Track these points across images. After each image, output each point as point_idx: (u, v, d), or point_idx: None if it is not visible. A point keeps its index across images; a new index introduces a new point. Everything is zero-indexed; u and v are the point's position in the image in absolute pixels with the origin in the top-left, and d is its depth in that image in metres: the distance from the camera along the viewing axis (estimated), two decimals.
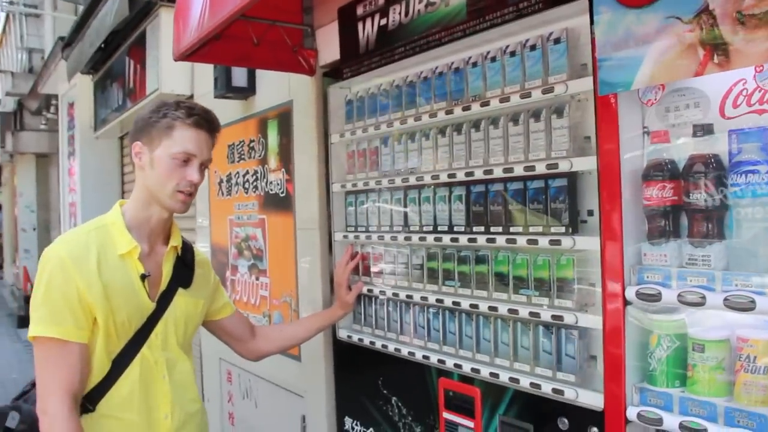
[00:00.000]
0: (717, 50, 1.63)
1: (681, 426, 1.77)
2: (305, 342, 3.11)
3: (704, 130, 1.84)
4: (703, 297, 1.73)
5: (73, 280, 2.00)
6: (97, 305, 2.02)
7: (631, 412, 1.91)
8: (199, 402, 2.34)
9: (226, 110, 4.32)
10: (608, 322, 2.00)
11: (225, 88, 4.03)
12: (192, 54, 2.98)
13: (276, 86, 3.77)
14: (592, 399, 2.07)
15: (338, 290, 3.08)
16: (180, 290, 2.25)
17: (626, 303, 1.94)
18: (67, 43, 8.00)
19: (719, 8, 1.61)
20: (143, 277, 2.12)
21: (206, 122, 2.20)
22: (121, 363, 2.09)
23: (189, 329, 2.30)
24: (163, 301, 2.20)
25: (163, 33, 5.22)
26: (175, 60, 3.10)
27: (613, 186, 1.96)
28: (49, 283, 2.01)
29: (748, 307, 1.64)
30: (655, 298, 1.84)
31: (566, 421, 2.14)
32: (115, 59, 6.90)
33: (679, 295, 1.79)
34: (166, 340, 2.19)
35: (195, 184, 2.18)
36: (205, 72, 4.49)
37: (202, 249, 4.69)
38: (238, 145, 4.26)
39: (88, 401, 2.06)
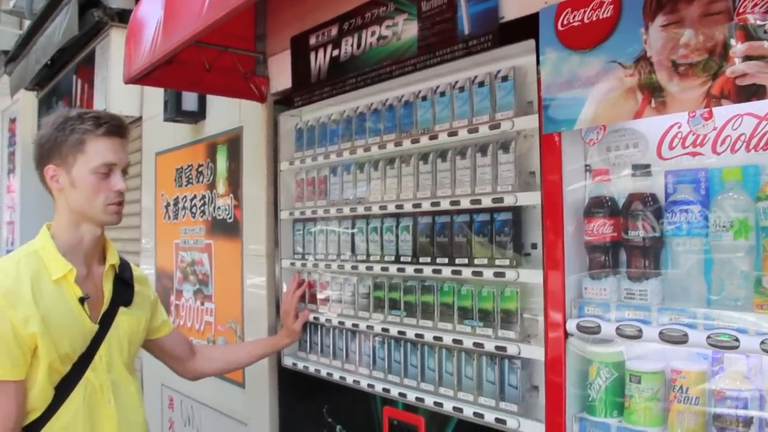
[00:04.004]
0: (654, 95, 1.72)
1: None
2: (246, 366, 3.08)
3: (642, 169, 1.92)
4: (640, 330, 1.80)
5: (6, 316, 1.89)
6: (37, 338, 1.92)
7: None
8: (146, 424, 2.28)
9: (175, 134, 4.30)
10: (550, 353, 2.05)
11: (175, 112, 4.00)
12: (143, 77, 2.97)
13: (226, 112, 3.77)
14: (534, 428, 2.11)
15: (285, 318, 3.07)
16: (121, 309, 2.17)
17: (567, 335, 1.99)
18: (10, 57, 7.82)
19: (656, 56, 1.71)
20: (82, 301, 2.04)
21: (117, 128, 2.11)
22: (64, 390, 2.01)
23: (133, 348, 2.24)
24: (106, 322, 2.12)
25: (113, 53, 5.16)
26: (126, 83, 3.08)
27: (556, 221, 2.02)
28: None
29: (681, 340, 1.72)
30: (595, 331, 1.90)
31: None
32: (62, 77, 6.77)
33: (617, 329, 1.85)
34: (111, 362, 2.12)
35: (122, 192, 2.11)
36: (155, 94, 4.45)
37: (146, 271, 4.62)
38: (186, 169, 4.23)
39: (29, 431, 1.98)
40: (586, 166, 2.08)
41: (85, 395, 2.04)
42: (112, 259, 2.21)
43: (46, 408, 2.00)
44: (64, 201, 2.09)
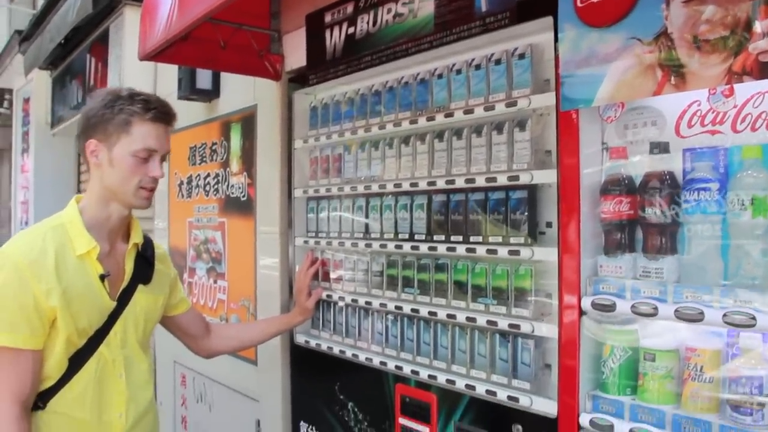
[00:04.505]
0: (674, 72, 1.70)
1: None
2: (259, 344, 3.10)
3: (660, 148, 1.91)
4: (656, 308, 1.80)
5: (29, 287, 1.93)
6: (56, 311, 1.96)
7: (584, 419, 1.96)
8: (154, 402, 2.31)
9: (189, 112, 4.30)
10: (564, 331, 2.05)
11: (189, 90, 4.00)
12: (158, 54, 2.97)
13: (241, 90, 3.77)
14: (547, 406, 2.12)
15: (298, 296, 3.08)
16: (140, 287, 2.21)
17: (582, 313, 1.99)
18: (24, 37, 7.85)
19: (677, 32, 1.68)
20: (102, 278, 2.07)
21: (164, 115, 2.13)
22: (78, 362, 2.05)
23: (148, 326, 2.27)
24: (124, 299, 2.15)
25: (127, 31, 5.16)
26: (141, 60, 3.08)
27: (572, 199, 2.02)
28: (2, 289, 1.94)
29: (697, 318, 1.71)
30: (610, 308, 1.90)
31: (521, 428, 2.19)
32: (76, 56, 6.79)
33: (632, 306, 1.85)
34: (126, 338, 2.15)
35: (158, 179, 2.14)
36: (169, 72, 4.45)
37: None
38: (200, 148, 4.23)
39: (39, 399, 2.02)
40: (603, 144, 2.07)
41: (97, 368, 2.08)
42: (136, 237, 2.24)
43: (60, 378, 2.04)
44: (99, 176, 2.12)
